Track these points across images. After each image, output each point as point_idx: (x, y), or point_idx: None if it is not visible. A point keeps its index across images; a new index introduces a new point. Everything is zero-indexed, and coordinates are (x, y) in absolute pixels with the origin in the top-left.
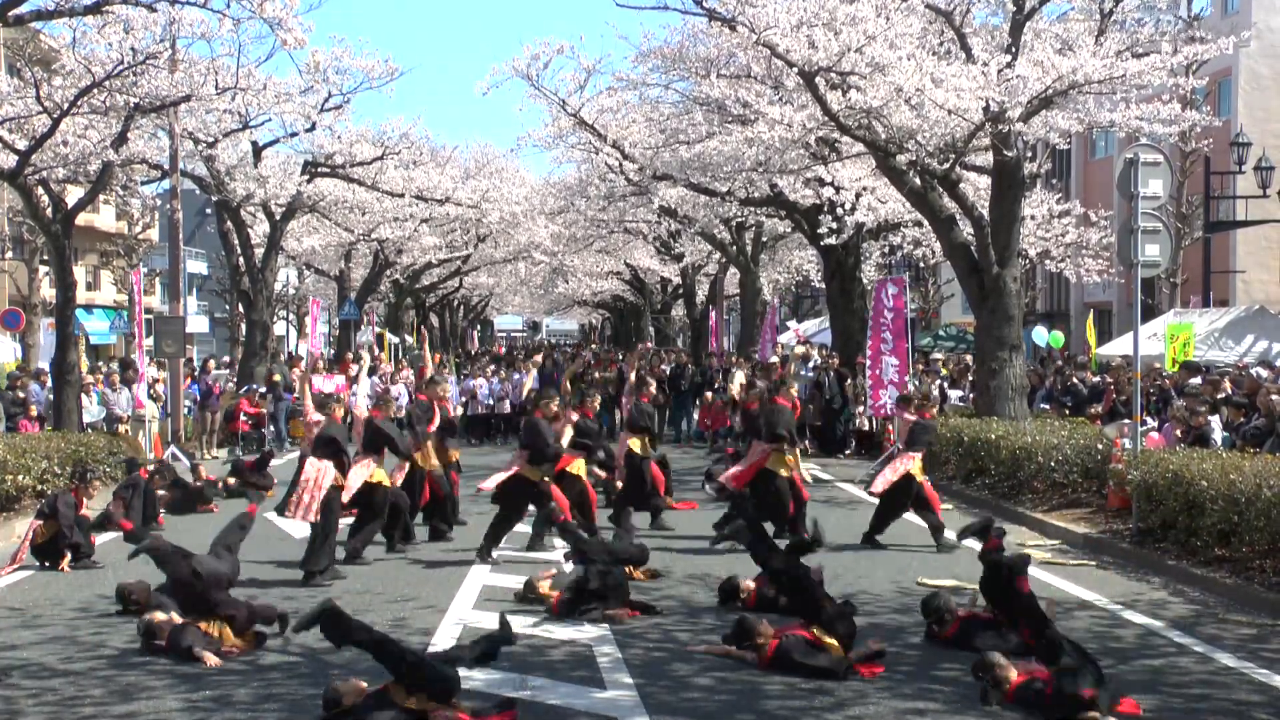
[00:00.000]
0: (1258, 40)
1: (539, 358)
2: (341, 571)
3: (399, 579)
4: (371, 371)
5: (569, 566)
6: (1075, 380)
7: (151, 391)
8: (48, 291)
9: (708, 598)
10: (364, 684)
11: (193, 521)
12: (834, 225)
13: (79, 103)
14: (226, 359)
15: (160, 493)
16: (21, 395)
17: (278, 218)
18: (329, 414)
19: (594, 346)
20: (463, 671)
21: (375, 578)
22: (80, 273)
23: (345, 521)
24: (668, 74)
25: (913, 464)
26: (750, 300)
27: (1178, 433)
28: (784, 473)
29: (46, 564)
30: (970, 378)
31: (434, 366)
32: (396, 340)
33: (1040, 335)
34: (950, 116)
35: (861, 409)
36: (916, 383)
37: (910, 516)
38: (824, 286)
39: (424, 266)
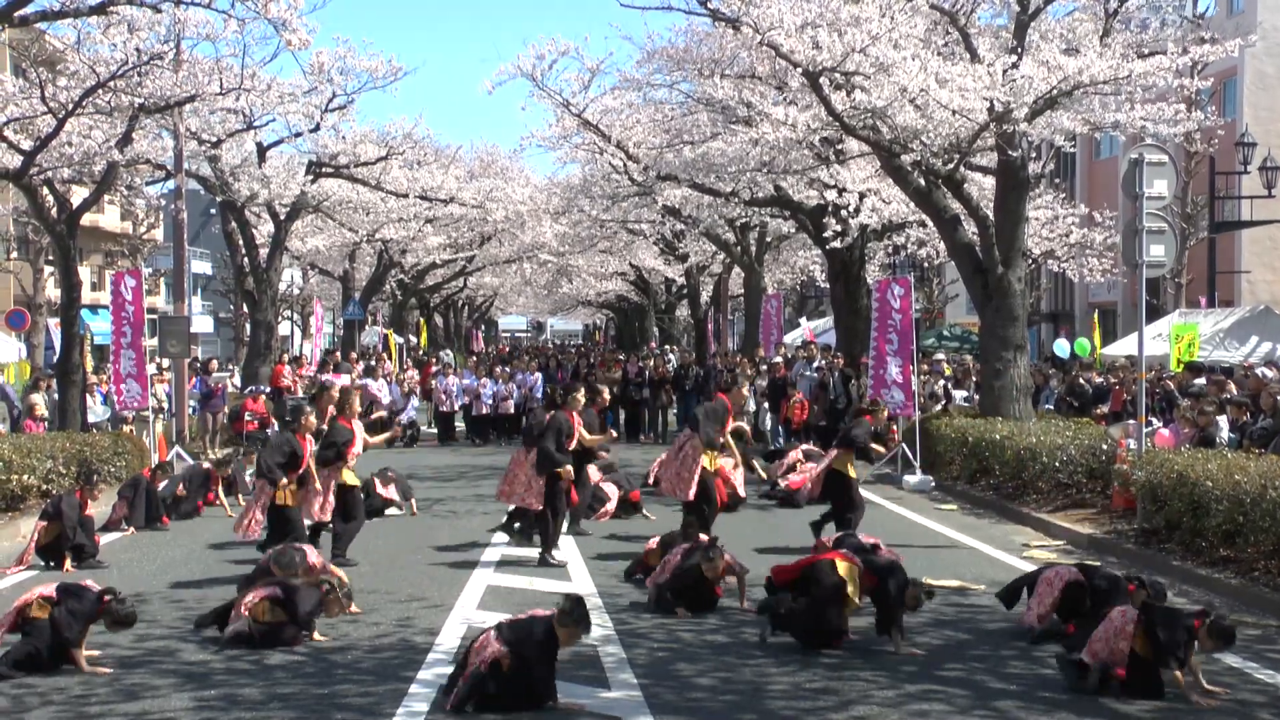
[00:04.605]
0: (1263, 40)
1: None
2: (350, 571)
3: (405, 579)
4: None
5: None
6: (1081, 381)
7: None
8: (53, 292)
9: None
10: None
11: (195, 523)
12: (838, 228)
13: (84, 103)
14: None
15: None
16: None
17: (282, 218)
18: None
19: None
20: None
21: (381, 578)
22: (85, 273)
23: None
24: (672, 75)
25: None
26: (755, 300)
27: (1185, 431)
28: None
29: (51, 564)
30: (974, 378)
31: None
32: (401, 340)
33: (1062, 347)
34: (955, 117)
35: None
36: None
37: (910, 514)
38: (828, 286)
39: (428, 267)
